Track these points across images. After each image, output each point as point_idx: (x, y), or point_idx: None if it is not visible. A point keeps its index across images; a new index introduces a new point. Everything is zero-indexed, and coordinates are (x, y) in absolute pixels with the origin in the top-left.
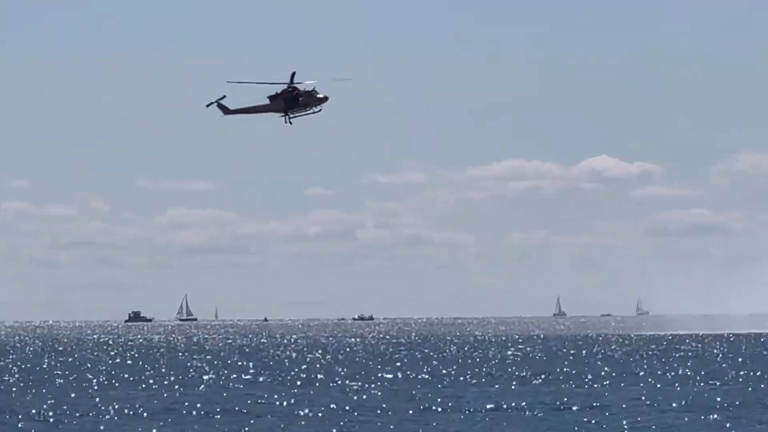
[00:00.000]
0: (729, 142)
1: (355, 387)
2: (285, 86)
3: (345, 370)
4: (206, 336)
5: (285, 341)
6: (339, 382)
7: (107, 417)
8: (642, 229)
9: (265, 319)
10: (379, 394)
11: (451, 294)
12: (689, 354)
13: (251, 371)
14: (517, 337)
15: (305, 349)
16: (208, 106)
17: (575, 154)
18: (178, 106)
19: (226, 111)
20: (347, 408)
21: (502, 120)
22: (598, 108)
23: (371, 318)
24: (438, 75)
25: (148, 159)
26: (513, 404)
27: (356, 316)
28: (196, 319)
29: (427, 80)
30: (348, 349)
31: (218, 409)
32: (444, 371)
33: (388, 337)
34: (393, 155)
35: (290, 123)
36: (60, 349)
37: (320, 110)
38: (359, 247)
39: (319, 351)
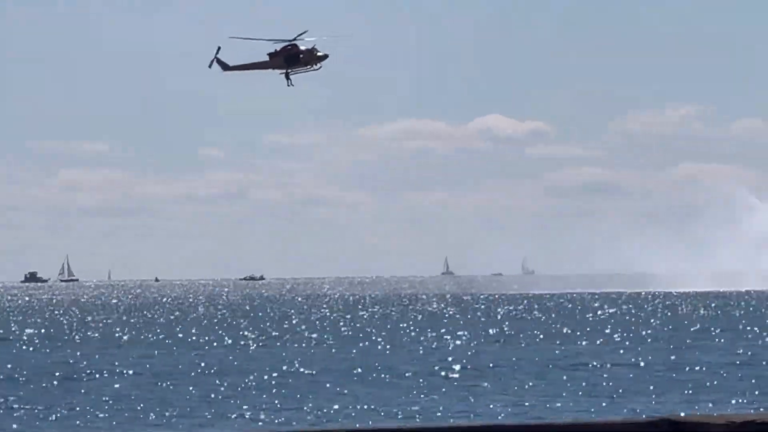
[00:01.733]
0: (623, 101)
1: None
2: (285, 43)
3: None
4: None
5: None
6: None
7: None
8: (535, 188)
9: (156, 279)
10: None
11: (346, 254)
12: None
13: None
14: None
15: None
16: (210, 66)
17: (466, 113)
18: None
19: (225, 67)
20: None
21: (395, 80)
22: (489, 66)
23: (262, 278)
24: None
25: (41, 120)
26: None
27: (246, 276)
28: (77, 280)
29: (320, 43)
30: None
31: None
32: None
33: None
34: (287, 116)
35: (291, 84)
36: None
37: (320, 68)
38: (253, 208)
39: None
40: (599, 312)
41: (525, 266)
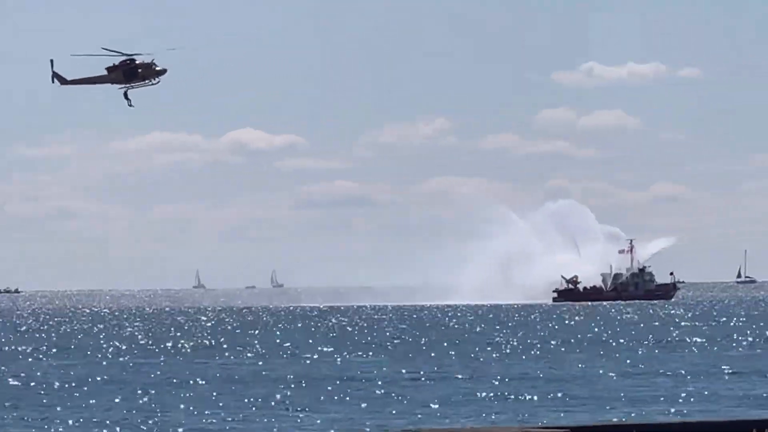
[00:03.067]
0: (375, 114)
1: None
2: (124, 58)
3: None
4: None
5: None
6: None
7: None
8: (287, 201)
9: None
10: None
11: (99, 267)
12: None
13: None
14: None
15: None
16: (53, 81)
17: (220, 126)
18: None
19: (63, 81)
20: None
21: (149, 93)
22: (242, 80)
23: (17, 291)
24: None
25: None
26: None
27: (2, 289)
28: None
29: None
30: None
31: None
32: None
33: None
34: (38, 128)
35: (131, 105)
36: None
37: (158, 82)
38: (6, 221)
39: None
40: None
41: (274, 279)
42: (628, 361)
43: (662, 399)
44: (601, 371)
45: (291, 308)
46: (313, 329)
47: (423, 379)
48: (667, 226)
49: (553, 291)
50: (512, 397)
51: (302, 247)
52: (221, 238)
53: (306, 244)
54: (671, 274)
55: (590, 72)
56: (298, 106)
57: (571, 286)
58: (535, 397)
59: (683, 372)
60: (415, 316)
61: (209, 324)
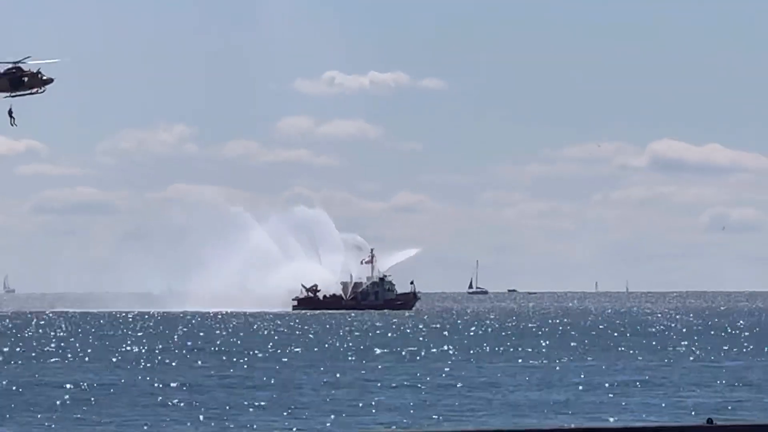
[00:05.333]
0: (114, 120)
1: None
2: (9, 65)
3: None
4: None
5: None
6: None
7: None
8: (26, 207)
9: None
10: None
11: None
12: None
13: None
14: None
15: None
16: None
17: None
18: None
19: None
20: None
21: None
22: None
23: None
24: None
25: None
26: None
27: None
28: None
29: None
30: None
31: None
32: None
33: None
34: None
35: (13, 121)
36: None
37: (44, 91)
38: None
39: None
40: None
41: (6, 285)
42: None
43: None
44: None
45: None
46: None
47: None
48: (406, 237)
49: (293, 299)
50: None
51: (39, 253)
52: None
53: (43, 250)
54: (412, 283)
55: (332, 81)
56: (39, 112)
57: (310, 294)
58: None
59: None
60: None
61: None
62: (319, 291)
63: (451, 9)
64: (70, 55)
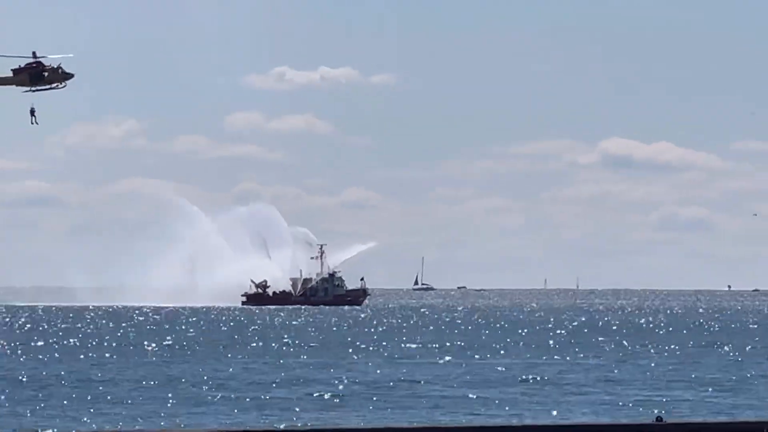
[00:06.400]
0: (65, 115)
1: None
2: (30, 59)
3: None
4: None
5: None
6: None
7: None
8: None
9: None
10: None
11: None
12: None
13: None
14: None
15: None
16: None
17: None
18: None
19: None
20: None
21: None
22: None
23: None
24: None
25: None
26: None
27: None
28: None
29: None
30: None
31: None
32: None
33: None
34: None
35: (34, 119)
36: None
37: (65, 86)
38: None
39: None
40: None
41: None
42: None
43: None
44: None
45: None
46: None
47: None
48: (356, 232)
49: (242, 295)
50: None
51: None
52: None
53: None
54: (362, 279)
55: (282, 76)
56: None
57: (260, 290)
58: None
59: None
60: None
61: None
62: (268, 287)
63: (402, 5)
64: (19, 49)
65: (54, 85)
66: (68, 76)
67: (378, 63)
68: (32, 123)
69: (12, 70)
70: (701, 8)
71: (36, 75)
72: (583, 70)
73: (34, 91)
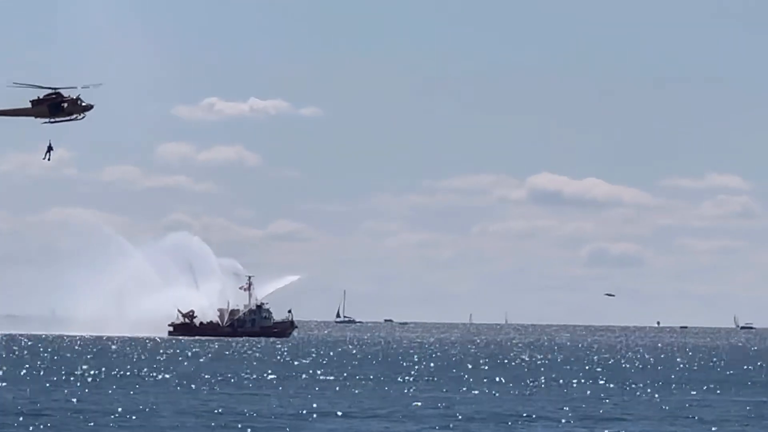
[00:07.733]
0: None
1: None
2: (49, 91)
3: None
4: None
5: None
6: None
7: None
8: None
9: None
10: None
11: None
12: None
13: None
14: None
15: None
16: None
17: None
18: None
19: None
20: None
21: None
22: None
23: None
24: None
25: None
26: None
27: None
28: None
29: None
30: None
31: None
32: None
33: None
34: None
35: (48, 156)
36: None
37: (84, 117)
38: None
39: None
40: None
41: None
42: None
43: None
44: None
45: None
46: None
47: None
48: (284, 264)
49: (169, 325)
50: None
51: None
52: None
53: None
54: (289, 311)
55: (211, 107)
56: None
57: (187, 320)
58: None
59: None
60: None
61: None
62: (195, 317)
63: (332, 37)
64: None
65: (73, 116)
66: (88, 107)
67: (307, 95)
68: (44, 158)
69: (31, 101)
70: (633, 44)
71: (55, 106)
72: (512, 106)
73: (53, 122)
